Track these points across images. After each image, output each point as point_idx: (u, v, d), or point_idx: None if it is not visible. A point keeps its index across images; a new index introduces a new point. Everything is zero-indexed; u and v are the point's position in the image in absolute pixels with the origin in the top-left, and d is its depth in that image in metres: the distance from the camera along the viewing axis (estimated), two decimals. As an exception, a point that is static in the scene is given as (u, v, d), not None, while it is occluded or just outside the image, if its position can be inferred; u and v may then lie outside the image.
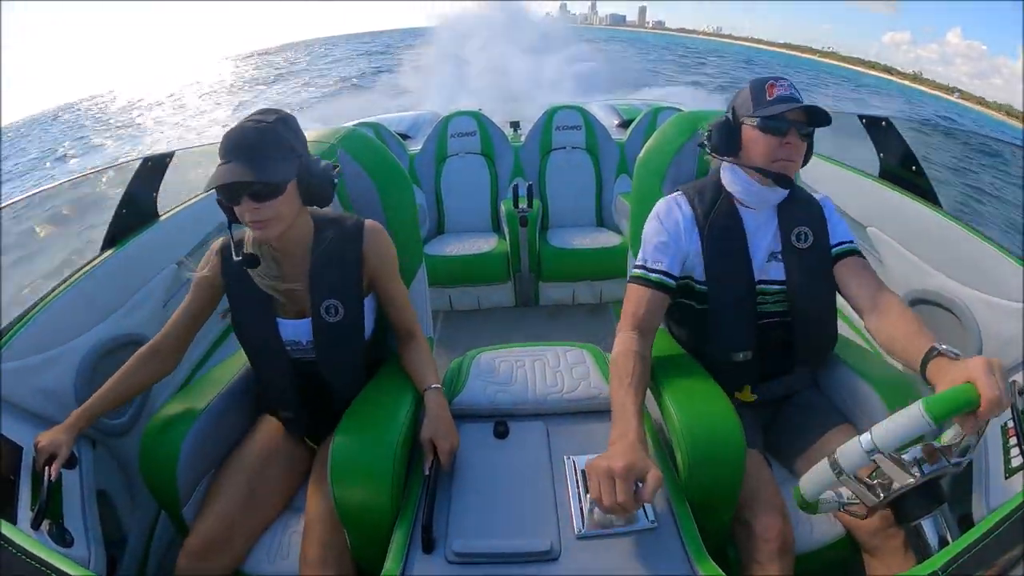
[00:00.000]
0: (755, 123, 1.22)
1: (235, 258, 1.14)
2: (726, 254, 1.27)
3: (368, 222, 1.26)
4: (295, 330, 1.24)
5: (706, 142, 1.31)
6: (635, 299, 1.26)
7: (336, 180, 1.16)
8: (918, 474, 0.81)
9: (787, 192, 1.27)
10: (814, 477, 0.87)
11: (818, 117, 1.20)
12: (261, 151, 1.03)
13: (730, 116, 1.29)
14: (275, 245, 1.18)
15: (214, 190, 1.05)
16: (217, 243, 1.26)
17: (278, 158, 1.04)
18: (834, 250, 1.26)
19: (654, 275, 1.26)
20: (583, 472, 1.12)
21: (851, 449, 0.82)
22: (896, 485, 0.82)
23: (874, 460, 0.81)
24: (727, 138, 1.28)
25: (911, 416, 0.77)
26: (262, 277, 1.18)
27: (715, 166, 1.35)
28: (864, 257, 1.26)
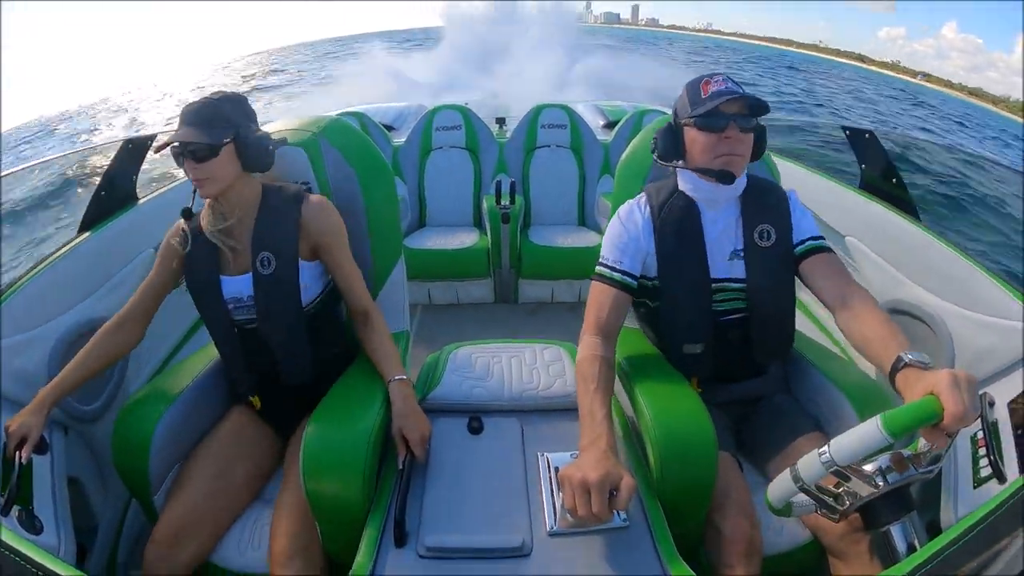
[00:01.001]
0: (693, 122, 1.23)
1: (189, 216, 1.28)
2: (678, 249, 1.28)
3: (313, 195, 1.33)
4: (237, 285, 1.28)
5: (654, 150, 1.32)
6: (598, 298, 1.26)
7: (272, 148, 1.27)
8: (882, 483, 0.82)
9: (740, 188, 1.28)
10: (778, 487, 0.88)
11: (757, 108, 1.20)
12: (201, 119, 1.19)
13: (671, 122, 1.30)
14: (224, 206, 1.26)
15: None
16: (182, 220, 1.31)
17: (214, 126, 1.19)
18: (801, 247, 1.25)
19: (616, 274, 1.27)
20: (556, 469, 1.13)
21: (810, 462, 0.83)
22: (861, 494, 0.84)
23: (834, 472, 0.82)
24: (671, 142, 1.29)
25: (868, 432, 0.78)
26: (209, 226, 1.27)
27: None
28: (833, 252, 1.25)
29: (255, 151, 1.23)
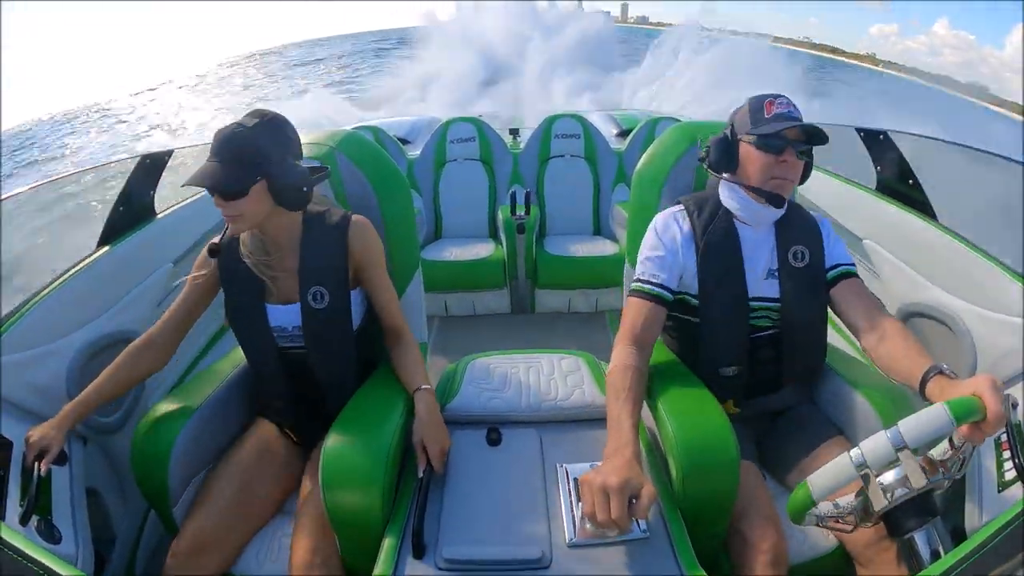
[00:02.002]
0: (752, 140, 1.23)
1: (216, 254, 1.23)
2: (721, 271, 1.27)
3: (355, 216, 1.29)
4: (282, 315, 1.26)
5: (704, 157, 1.32)
6: (633, 312, 1.26)
7: (307, 188, 1.18)
8: (924, 482, 0.82)
9: (783, 211, 1.28)
10: (831, 472, 0.86)
11: (816, 136, 1.21)
12: (230, 154, 1.11)
13: (728, 133, 1.30)
14: (263, 236, 1.23)
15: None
16: (216, 239, 1.28)
17: (243, 163, 1.11)
18: (831, 272, 1.27)
19: (653, 288, 1.27)
20: (575, 480, 1.12)
21: (877, 443, 0.82)
22: (900, 491, 0.83)
23: (898, 457, 0.82)
24: (725, 155, 1.29)
25: (936, 415, 0.79)
26: (251, 257, 1.23)
27: (713, 179, 1.36)
28: (861, 279, 1.27)
29: (288, 190, 1.16)
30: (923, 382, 0.95)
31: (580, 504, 1.04)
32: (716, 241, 1.28)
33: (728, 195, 1.30)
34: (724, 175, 1.30)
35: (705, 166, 1.33)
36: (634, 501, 0.90)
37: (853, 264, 1.28)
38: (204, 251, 1.28)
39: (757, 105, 1.25)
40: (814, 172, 2.28)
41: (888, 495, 0.84)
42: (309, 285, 1.24)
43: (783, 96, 1.25)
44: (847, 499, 0.90)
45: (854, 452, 0.83)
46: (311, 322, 1.25)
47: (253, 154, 1.12)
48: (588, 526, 1.00)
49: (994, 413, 0.78)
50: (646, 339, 1.24)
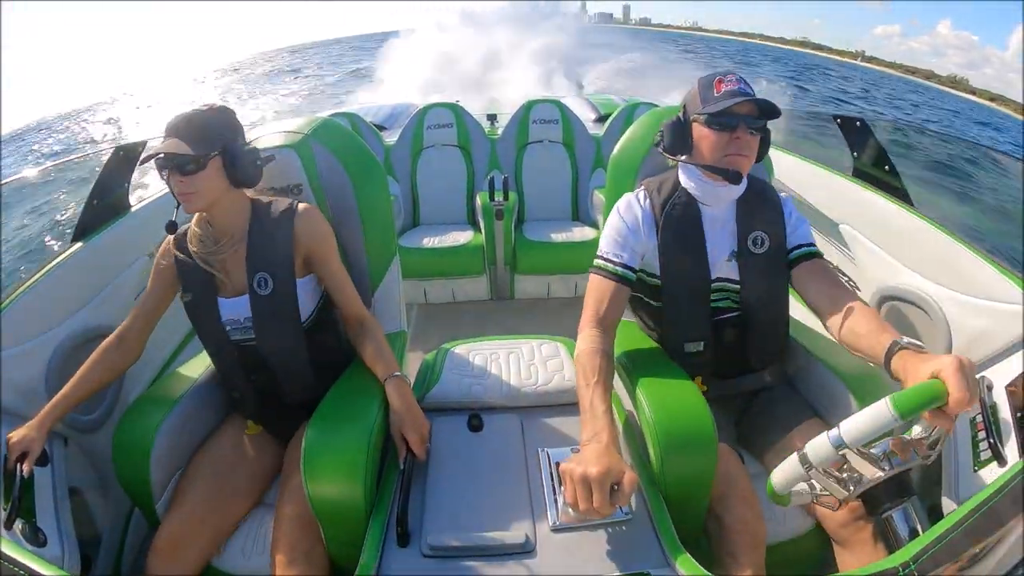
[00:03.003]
0: (704, 119, 1.22)
1: (174, 230, 1.24)
2: (680, 248, 1.28)
3: (301, 204, 1.29)
4: (233, 307, 1.26)
5: (659, 142, 1.32)
6: (597, 291, 1.26)
7: (260, 163, 1.24)
8: (887, 467, 0.83)
9: (742, 189, 1.28)
10: (784, 471, 0.88)
11: (768, 110, 1.20)
12: (186, 132, 1.15)
13: (680, 115, 1.29)
14: (212, 224, 1.24)
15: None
16: (169, 238, 1.29)
17: (201, 138, 1.15)
18: (793, 253, 1.27)
19: (615, 266, 1.26)
20: (557, 465, 1.13)
21: (819, 444, 0.83)
22: (866, 479, 0.84)
23: (843, 455, 0.83)
24: (678, 137, 1.28)
25: (878, 412, 0.79)
26: (201, 252, 1.24)
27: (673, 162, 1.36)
28: (823, 258, 1.27)
29: (243, 165, 1.20)
30: (887, 358, 0.94)
31: (562, 488, 1.05)
32: (676, 217, 1.28)
33: (686, 177, 1.30)
34: (680, 157, 1.29)
35: (660, 150, 1.32)
36: (615, 488, 0.91)
37: (814, 244, 1.28)
38: (166, 241, 1.28)
39: (706, 84, 1.24)
40: (790, 157, 2.32)
41: (852, 483, 0.85)
42: (255, 272, 1.24)
43: (733, 72, 1.24)
44: (825, 480, 0.92)
45: (801, 452, 0.85)
46: (258, 311, 1.24)
47: (210, 130, 1.17)
48: (570, 511, 1.01)
49: (956, 399, 0.76)
50: (610, 320, 1.24)
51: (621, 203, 1.34)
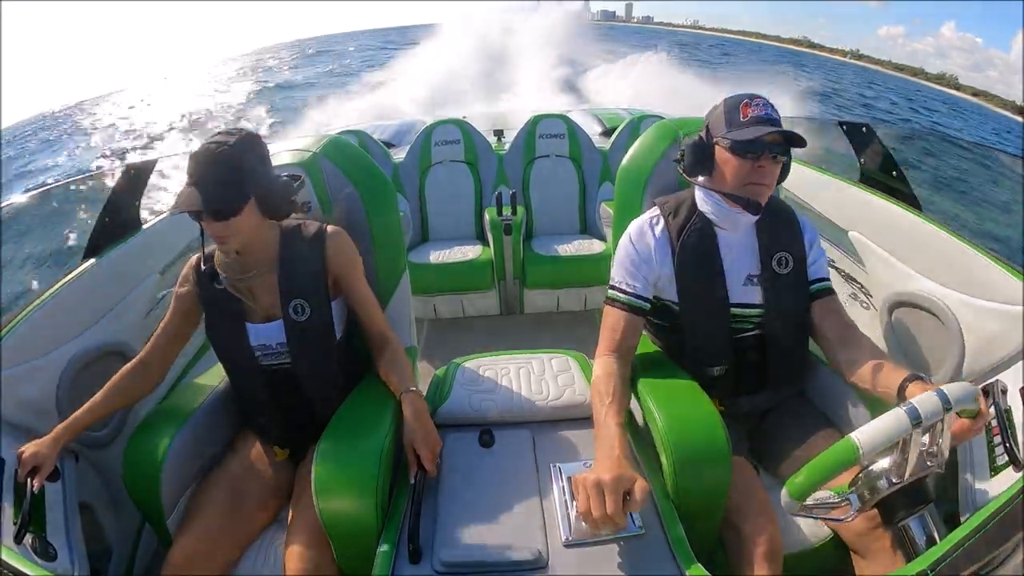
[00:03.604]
0: (728, 145, 1.19)
1: (203, 267, 1.22)
2: (698, 274, 1.27)
3: (330, 226, 1.29)
4: (265, 333, 1.26)
5: (680, 160, 1.30)
6: (611, 321, 1.27)
7: (295, 195, 1.23)
8: (898, 480, 0.83)
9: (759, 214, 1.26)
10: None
11: (793, 139, 1.17)
12: (216, 176, 1.09)
13: (703, 135, 1.26)
14: (241, 252, 1.21)
15: None
16: (193, 259, 1.29)
17: (232, 182, 1.10)
18: (812, 287, 1.27)
19: (628, 297, 1.27)
20: (569, 479, 1.12)
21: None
22: (880, 488, 0.84)
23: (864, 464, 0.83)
24: (700, 158, 1.25)
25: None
26: (229, 278, 1.23)
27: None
28: (835, 296, 1.28)
29: (277, 200, 1.19)
30: (900, 390, 0.96)
31: (574, 503, 1.04)
32: (692, 245, 1.27)
33: (703, 199, 1.28)
34: (699, 179, 1.28)
35: (680, 169, 1.31)
36: (627, 497, 0.90)
37: (829, 280, 1.29)
38: (186, 267, 1.29)
39: (733, 106, 1.21)
40: (797, 165, 2.31)
41: (870, 489, 0.85)
42: (290, 299, 1.23)
43: (760, 96, 1.20)
44: (839, 489, 0.91)
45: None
46: (295, 336, 1.25)
47: (241, 171, 1.12)
48: (583, 525, 1.00)
49: (983, 415, 0.82)
50: (626, 347, 1.25)
51: (633, 229, 1.32)
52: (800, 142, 1.17)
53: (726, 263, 1.27)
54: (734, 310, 1.27)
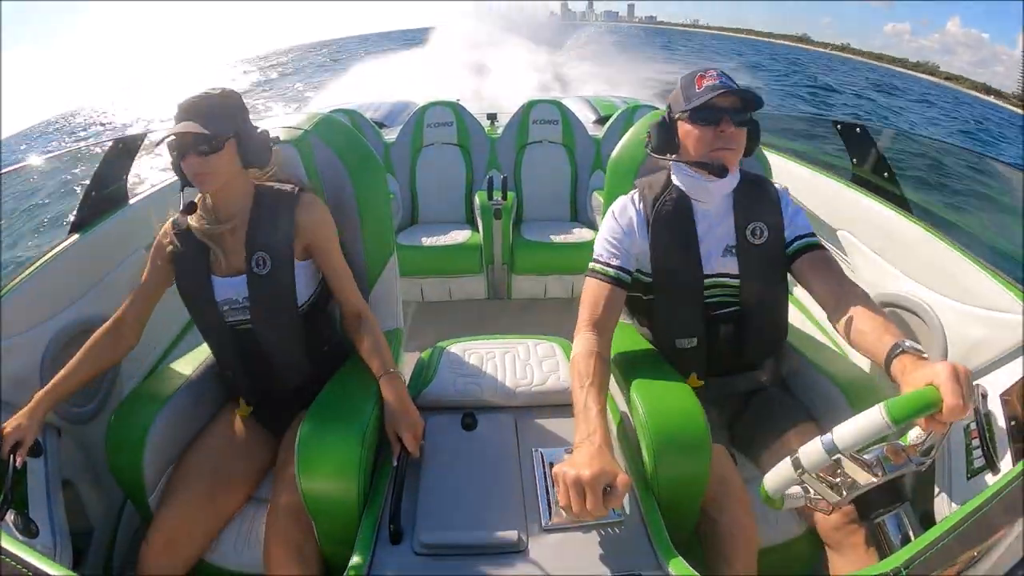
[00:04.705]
0: (687, 116, 1.22)
1: (181, 212, 1.26)
2: (670, 245, 1.27)
3: (305, 192, 1.30)
4: (230, 286, 1.26)
5: (648, 143, 1.32)
6: (592, 294, 1.26)
7: (272, 144, 1.27)
8: (880, 473, 0.83)
9: (734, 183, 1.28)
10: (777, 475, 0.88)
11: (751, 100, 1.19)
12: (204, 112, 1.16)
13: (666, 116, 1.29)
14: (215, 202, 1.25)
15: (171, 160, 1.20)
16: (171, 219, 1.30)
17: (218, 118, 1.17)
18: (794, 244, 1.26)
19: (610, 269, 1.26)
20: (551, 464, 1.13)
21: (812, 449, 0.83)
22: (858, 484, 0.84)
23: (835, 460, 0.83)
24: (665, 136, 1.28)
25: (871, 418, 0.79)
26: (199, 224, 1.25)
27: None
28: (825, 249, 1.26)
29: (257, 147, 1.23)
30: (888, 360, 0.93)
31: (555, 489, 1.05)
32: (665, 215, 1.28)
33: (677, 175, 1.31)
34: (669, 157, 1.30)
35: (648, 151, 1.33)
36: (608, 490, 0.91)
37: (814, 234, 1.27)
38: (165, 225, 1.29)
39: (688, 81, 1.24)
40: (788, 162, 2.32)
41: (844, 488, 0.85)
42: (253, 252, 1.24)
43: (714, 68, 1.23)
44: (818, 484, 0.92)
45: (794, 457, 0.85)
46: (255, 290, 1.25)
47: (224, 112, 1.18)
48: (564, 513, 1.01)
49: (950, 406, 0.76)
50: (606, 323, 1.24)
51: (616, 205, 1.34)
52: (758, 102, 1.19)
53: (703, 234, 1.28)
54: (711, 280, 1.28)
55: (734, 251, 1.28)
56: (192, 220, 1.25)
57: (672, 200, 1.28)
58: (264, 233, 1.25)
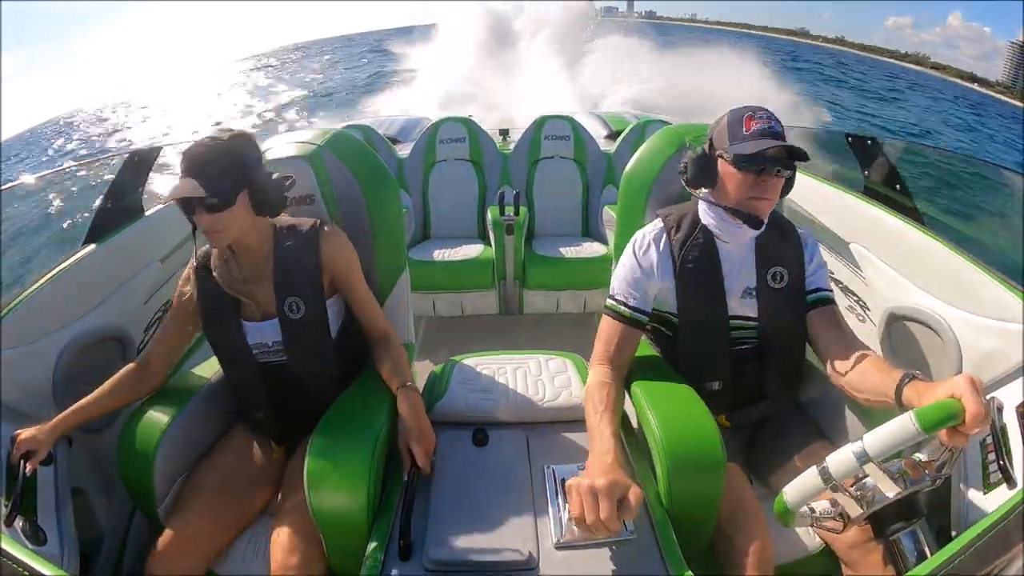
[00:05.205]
0: (730, 159, 1.19)
1: (197, 266, 1.24)
2: (699, 289, 1.27)
3: (325, 225, 1.29)
4: (261, 331, 1.26)
5: (683, 171, 1.30)
6: (608, 332, 1.28)
7: (287, 192, 1.22)
8: (903, 486, 0.82)
9: (762, 228, 1.25)
10: (801, 484, 0.87)
11: (796, 154, 1.16)
12: (211, 167, 1.10)
13: (705, 148, 1.26)
14: (235, 251, 1.23)
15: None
16: (191, 263, 1.29)
17: (227, 174, 1.12)
18: (809, 297, 1.26)
19: (627, 310, 1.27)
20: (562, 482, 1.12)
21: (842, 457, 0.83)
22: (878, 497, 0.83)
23: (863, 469, 0.82)
24: (702, 171, 1.25)
25: (902, 426, 0.79)
26: (225, 278, 1.24)
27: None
28: (836, 305, 1.26)
29: (270, 196, 1.19)
30: (898, 391, 0.93)
31: (566, 505, 1.04)
32: (694, 260, 1.27)
33: (706, 212, 1.29)
34: (702, 191, 1.28)
35: (683, 182, 1.31)
36: (621, 504, 0.90)
37: (830, 291, 1.28)
38: (186, 270, 1.29)
39: (735, 119, 1.20)
40: (800, 175, 2.31)
41: (866, 501, 0.84)
42: (285, 297, 1.24)
43: (763, 109, 1.20)
44: (831, 501, 0.91)
45: (822, 465, 0.84)
46: (290, 334, 1.25)
47: (234, 164, 1.13)
48: (575, 528, 1.00)
49: (973, 414, 0.76)
50: (621, 359, 1.26)
51: (637, 240, 1.32)
52: (803, 156, 1.17)
53: (727, 275, 1.27)
54: (732, 322, 1.27)
55: (754, 293, 1.27)
56: (214, 270, 1.25)
57: (700, 244, 1.27)
58: (291, 276, 1.24)
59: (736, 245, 1.27)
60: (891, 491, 0.83)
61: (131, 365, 1.29)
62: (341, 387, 1.31)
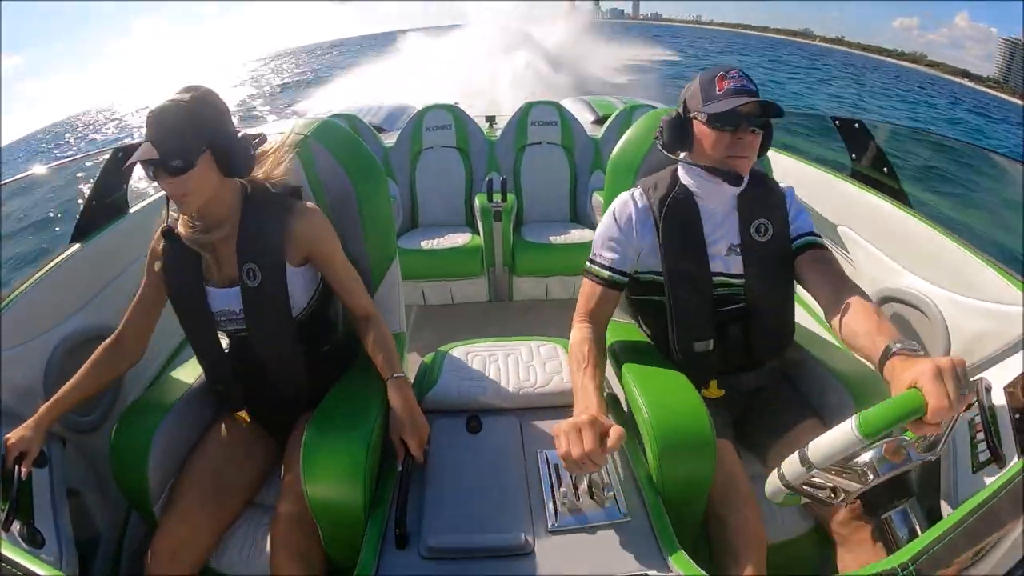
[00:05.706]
0: (705, 118, 1.20)
1: (166, 225, 1.20)
2: (681, 246, 1.27)
3: (301, 203, 1.26)
4: (225, 298, 1.23)
5: (659, 137, 1.31)
6: (587, 293, 1.31)
7: (252, 150, 1.18)
8: (872, 476, 0.83)
9: (742, 185, 1.26)
10: (774, 481, 0.89)
11: (771, 109, 1.17)
12: (170, 130, 1.06)
13: (680, 111, 1.27)
14: (204, 211, 1.18)
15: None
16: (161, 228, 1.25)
17: (188, 135, 1.07)
18: (795, 242, 1.26)
19: (604, 271, 1.28)
20: (556, 466, 1.14)
21: (791, 463, 0.85)
22: (871, 475, 0.84)
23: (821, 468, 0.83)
24: (678, 134, 1.26)
25: (844, 433, 0.78)
26: (188, 232, 1.20)
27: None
28: (826, 248, 1.25)
29: (235, 156, 1.14)
30: (881, 363, 0.93)
31: (561, 489, 1.06)
32: (674, 217, 1.27)
33: (685, 173, 1.29)
34: (680, 155, 1.29)
35: (659, 146, 1.32)
36: (603, 441, 0.94)
37: (816, 234, 1.26)
38: (155, 236, 1.25)
39: (708, 80, 1.21)
40: (788, 158, 2.32)
41: (857, 479, 0.85)
42: (244, 262, 1.20)
43: (735, 68, 1.20)
44: (823, 479, 0.92)
45: (778, 469, 0.87)
46: (249, 302, 1.22)
47: (195, 124, 1.08)
48: (568, 499, 1.02)
49: (934, 409, 0.73)
50: (600, 317, 1.30)
51: (616, 203, 1.33)
52: (778, 112, 1.17)
53: (708, 234, 1.27)
54: (717, 279, 1.27)
55: (738, 250, 1.27)
56: (180, 226, 1.20)
57: (680, 200, 1.27)
58: (254, 242, 1.20)
59: (717, 202, 1.27)
60: (853, 488, 0.84)
61: (106, 342, 1.25)
62: (312, 369, 1.30)
